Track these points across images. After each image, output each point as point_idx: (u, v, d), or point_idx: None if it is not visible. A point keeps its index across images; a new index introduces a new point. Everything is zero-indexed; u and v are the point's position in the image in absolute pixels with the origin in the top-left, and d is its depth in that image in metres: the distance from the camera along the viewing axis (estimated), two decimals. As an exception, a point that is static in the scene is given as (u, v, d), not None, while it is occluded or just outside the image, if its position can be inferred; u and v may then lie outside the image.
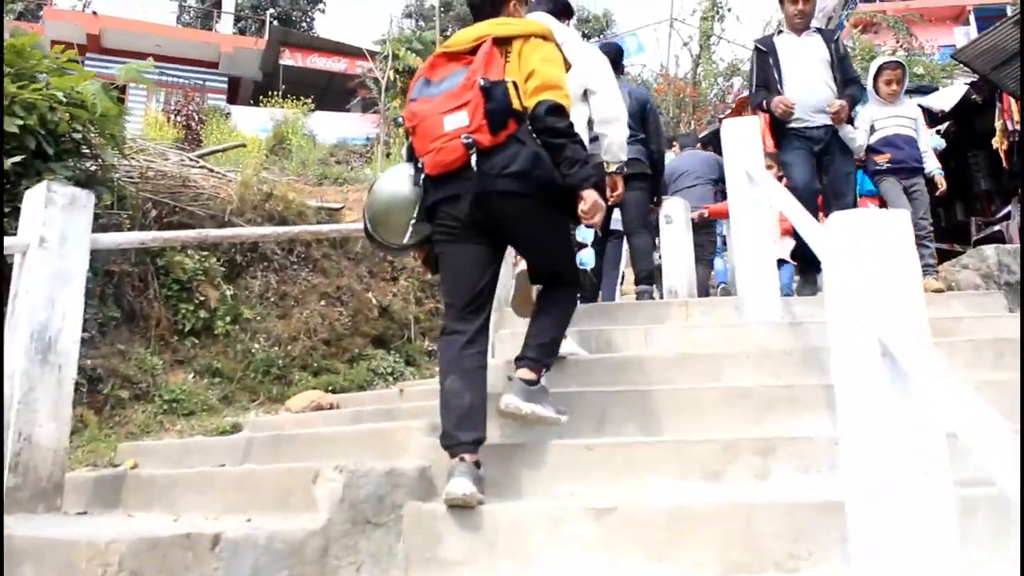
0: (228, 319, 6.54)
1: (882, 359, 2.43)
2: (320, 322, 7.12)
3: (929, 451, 2.38)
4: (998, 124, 12.30)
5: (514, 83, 3.38)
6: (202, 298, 6.47)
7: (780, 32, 6.43)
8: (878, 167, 6.67)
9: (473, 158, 3.30)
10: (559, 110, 3.37)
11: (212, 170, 7.66)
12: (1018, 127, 12.26)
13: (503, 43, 3.48)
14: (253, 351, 6.55)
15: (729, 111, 16.21)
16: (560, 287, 3.66)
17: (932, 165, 6.73)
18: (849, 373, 2.51)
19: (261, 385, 6.41)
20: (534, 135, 3.36)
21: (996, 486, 1.80)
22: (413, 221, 3.44)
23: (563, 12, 4.65)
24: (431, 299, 8.06)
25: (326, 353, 7.00)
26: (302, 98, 21.24)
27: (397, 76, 17.98)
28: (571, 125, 3.40)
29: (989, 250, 8.79)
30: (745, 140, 5.59)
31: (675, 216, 6.95)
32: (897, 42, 17.39)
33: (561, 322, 3.64)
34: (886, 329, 2.38)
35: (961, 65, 11.79)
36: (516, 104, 3.36)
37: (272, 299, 7.00)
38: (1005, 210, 10.60)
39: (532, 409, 3.46)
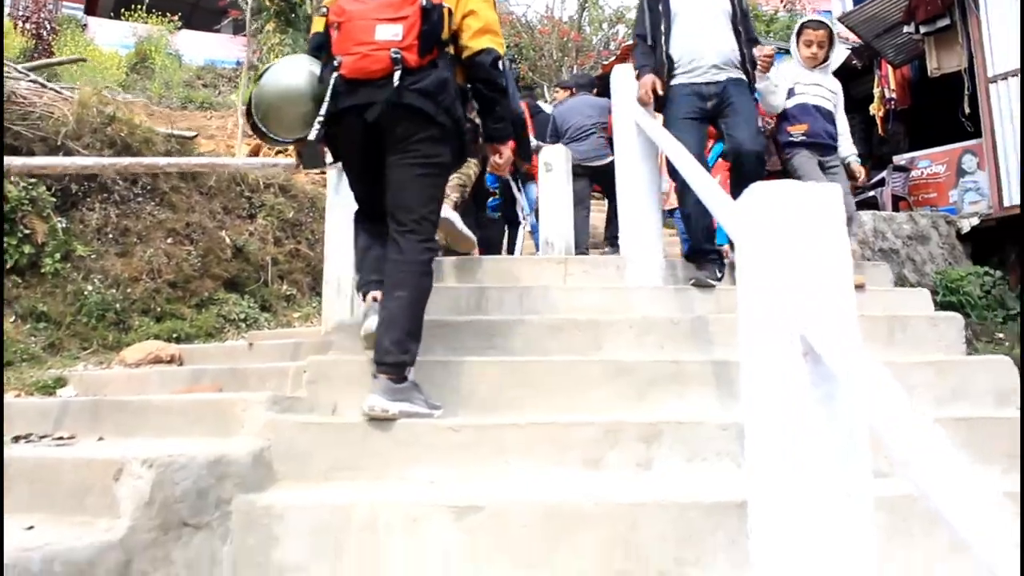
0: (58, 256, 5.82)
1: (803, 359, 2.08)
2: (166, 262, 6.45)
3: (856, 466, 2.04)
4: (876, 91, 12.32)
5: (449, 10, 3.40)
6: (28, 231, 5.73)
7: None
8: (791, 138, 5.69)
9: (397, 73, 3.26)
10: (499, 63, 3.41)
11: (44, 85, 6.82)
12: (894, 95, 12.32)
13: None
14: (86, 293, 5.86)
15: (613, 58, 15.87)
16: (408, 246, 3.35)
17: (848, 150, 5.86)
18: (762, 373, 2.15)
19: (94, 332, 5.73)
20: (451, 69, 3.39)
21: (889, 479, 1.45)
22: (320, 119, 3.28)
23: None
24: (291, 239, 7.46)
25: (171, 296, 6.34)
26: (168, 14, 19.94)
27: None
28: (506, 80, 3.45)
29: (866, 216, 8.74)
30: (635, 88, 5.22)
31: (555, 164, 6.54)
32: (781, 2, 17.33)
33: (414, 302, 3.32)
34: (812, 325, 2.02)
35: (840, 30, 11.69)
36: (445, 33, 3.39)
37: (111, 235, 6.28)
38: (878, 176, 10.58)
39: (400, 409, 3.22)
